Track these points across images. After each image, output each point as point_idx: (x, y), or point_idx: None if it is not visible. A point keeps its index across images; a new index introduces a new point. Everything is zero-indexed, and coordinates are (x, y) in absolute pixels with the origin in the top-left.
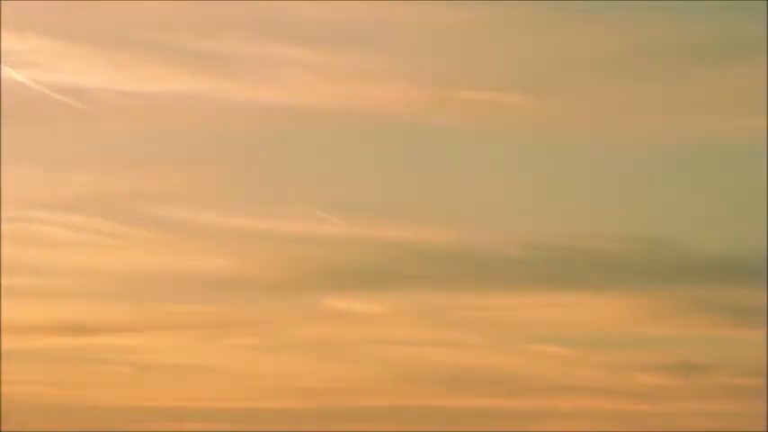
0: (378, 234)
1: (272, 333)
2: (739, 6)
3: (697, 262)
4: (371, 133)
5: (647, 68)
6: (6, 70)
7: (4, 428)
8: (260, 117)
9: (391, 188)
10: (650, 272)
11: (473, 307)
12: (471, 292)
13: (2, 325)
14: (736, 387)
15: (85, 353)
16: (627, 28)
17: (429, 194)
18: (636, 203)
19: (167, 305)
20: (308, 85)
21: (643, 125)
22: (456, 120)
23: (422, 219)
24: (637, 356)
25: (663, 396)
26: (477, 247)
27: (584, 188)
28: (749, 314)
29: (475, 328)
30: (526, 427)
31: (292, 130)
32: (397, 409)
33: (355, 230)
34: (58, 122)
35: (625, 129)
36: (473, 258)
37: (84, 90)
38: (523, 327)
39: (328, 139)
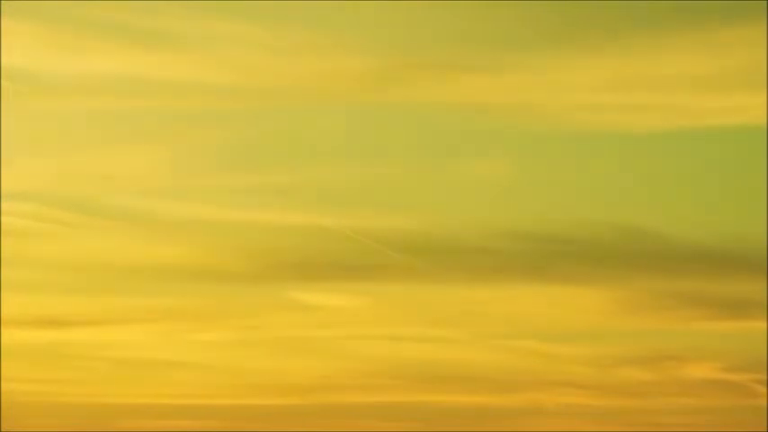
0: (345, 223)
1: (246, 328)
2: None
3: (691, 254)
4: (326, 112)
5: (627, 42)
6: None
7: None
8: (216, 97)
9: (357, 173)
10: (638, 263)
11: (454, 301)
12: (449, 284)
13: None
14: (730, 383)
15: (56, 347)
16: None
17: (393, 180)
18: (625, 192)
19: (130, 298)
20: (258, 62)
21: (624, 106)
22: (416, 98)
23: (390, 206)
24: (623, 351)
25: (652, 392)
26: (453, 237)
27: (566, 175)
28: (745, 306)
29: (452, 322)
30: (508, 424)
31: (245, 109)
32: (376, 406)
33: (321, 219)
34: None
35: (606, 110)
36: (451, 249)
37: (26, 71)
38: (503, 321)
39: (287, 119)
